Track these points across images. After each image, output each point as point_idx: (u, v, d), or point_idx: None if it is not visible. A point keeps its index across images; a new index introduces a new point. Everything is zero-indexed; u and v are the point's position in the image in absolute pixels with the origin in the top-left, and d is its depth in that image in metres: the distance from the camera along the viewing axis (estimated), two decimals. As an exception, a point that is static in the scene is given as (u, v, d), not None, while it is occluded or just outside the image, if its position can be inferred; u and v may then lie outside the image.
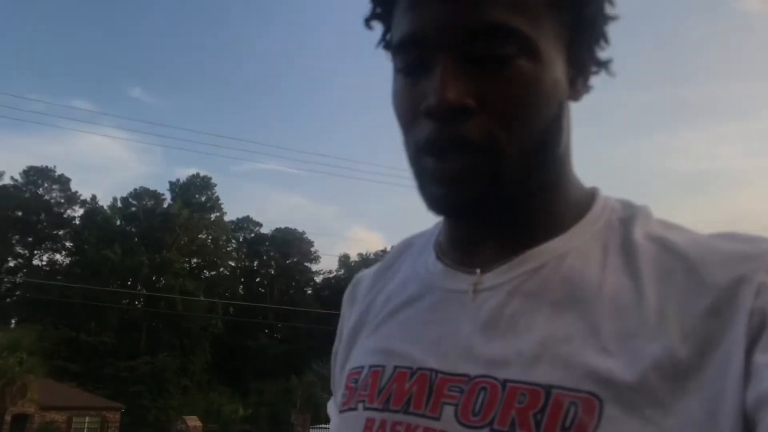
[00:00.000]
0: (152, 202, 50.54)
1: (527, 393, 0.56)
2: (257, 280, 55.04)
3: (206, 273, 51.69)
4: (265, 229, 54.96)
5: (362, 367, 0.70)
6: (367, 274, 0.82)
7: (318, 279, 55.52)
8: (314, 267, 55.46)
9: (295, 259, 54.11)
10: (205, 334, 44.52)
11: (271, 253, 53.87)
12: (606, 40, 0.65)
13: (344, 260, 54.55)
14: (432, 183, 0.61)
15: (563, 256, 0.62)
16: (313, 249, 54.98)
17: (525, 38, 0.58)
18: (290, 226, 56.08)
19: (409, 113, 0.62)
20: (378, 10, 0.67)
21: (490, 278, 0.64)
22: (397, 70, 0.64)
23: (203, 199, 50.84)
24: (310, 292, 54.44)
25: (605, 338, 0.56)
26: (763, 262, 0.55)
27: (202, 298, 43.68)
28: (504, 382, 0.58)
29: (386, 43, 0.68)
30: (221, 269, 53.40)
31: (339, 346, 0.80)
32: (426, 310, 0.68)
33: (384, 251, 52.78)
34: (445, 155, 0.59)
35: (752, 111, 73.71)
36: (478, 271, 0.65)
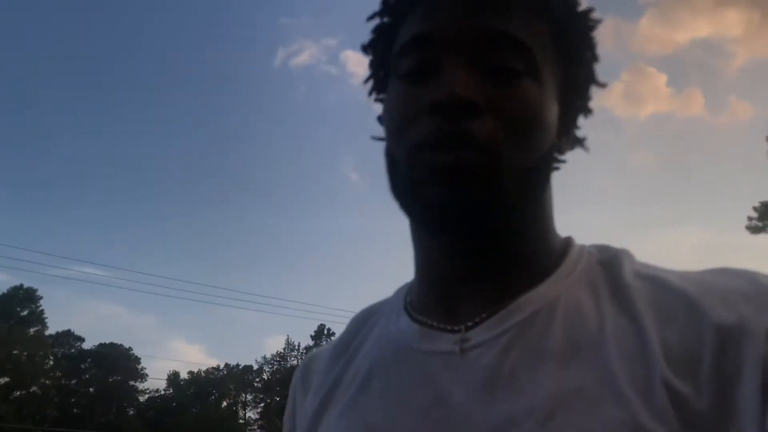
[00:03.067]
0: (-40, 314, 46.51)
1: None
2: (73, 400, 51.41)
3: (17, 393, 47.66)
4: (89, 344, 52.25)
5: None
6: (321, 351, 0.74)
7: (143, 398, 53.08)
8: (141, 385, 53.10)
9: (118, 377, 51.55)
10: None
11: (93, 371, 51.00)
12: (588, 112, 0.67)
13: (173, 378, 52.88)
14: (427, 183, 0.56)
15: (554, 303, 0.58)
16: (139, 366, 52.89)
17: (534, 60, 0.58)
18: (115, 341, 53.70)
19: (407, 115, 0.59)
20: (385, 19, 0.65)
21: (479, 334, 0.58)
22: (399, 76, 0.61)
23: (25, 312, 47.80)
24: (133, 412, 51.74)
25: (621, 385, 0.51)
26: (765, 301, 0.53)
27: (11, 425, 40.18)
28: None
29: (375, 73, 0.68)
30: (33, 389, 49.42)
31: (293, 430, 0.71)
32: (407, 376, 0.60)
33: (217, 368, 52.33)
34: (448, 149, 0.55)
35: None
36: (462, 327, 0.59)
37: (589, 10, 0.64)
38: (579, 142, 0.68)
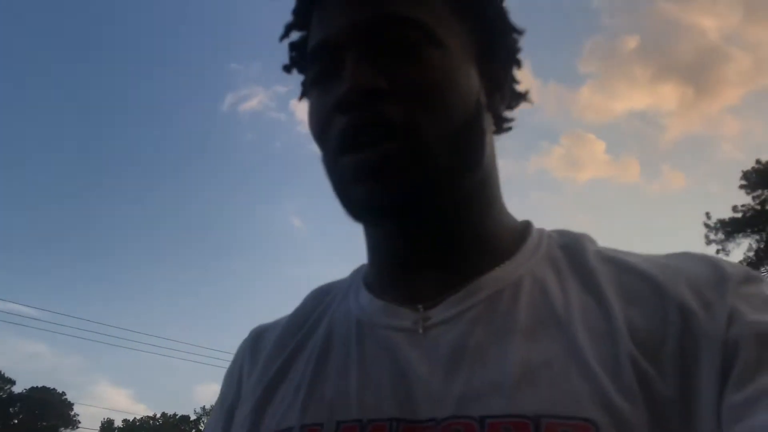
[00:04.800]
0: None
1: (512, 427, 0.48)
2: (-1, 446, 49.33)
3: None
4: (19, 387, 50.64)
5: (290, 429, 0.56)
6: (273, 324, 0.70)
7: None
8: (70, 433, 51.51)
9: (49, 423, 50.02)
10: None
11: (22, 416, 49.37)
12: (518, 64, 0.66)
13: (107, 426, 51.71)
14: (352, 183, 0.56)
15: (518, 282, 0.57)
16: (72, 412, 51.53)
17: (428, 29, 0.57)
18: (44, 383, 52.28)
19: (322, 120, 0.59)
20: (294, 35, 0.66)
21: (440, 312, 0.57)
22: (311, 84, 0.61)
23: None
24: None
25: (588, 361, 0.50)
26: (731, 287, 0.52)
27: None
28: (482, 420, 0.49)
29: (305, 92, 0.67)
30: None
31: (236, 405, 0.65)
32: (369, 351, 0.58)
33: (154, 417, 51.48)
34: (362, 146, 0.55)
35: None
36: (420, 307, 0.58)
37: None
38: (521, 97, 0.68)
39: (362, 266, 0.69)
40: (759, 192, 24.05)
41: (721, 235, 23.62)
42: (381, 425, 0.53)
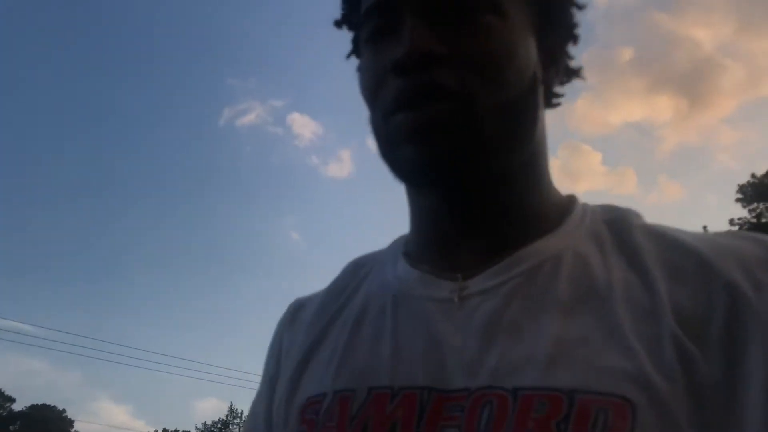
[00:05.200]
0: None
1: (545, 400, 0.47)
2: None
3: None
4: (20, 404, 50.54)
5: (324, 395, 0.57)
6: (312, 297, 0.70)
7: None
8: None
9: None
10: None
11: (22, 434, 49.20)
12: (575, 39, 0.65)
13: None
14: (403, 142, 0.55)
15: (559, 256, 0.56)
16: (72, 430, 51.41)
17: None
18: (44, 400, 52.16)
19: (375, 80, 0.58)
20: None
21: (478, 282, 0.56)
22: (364, 43, 0.60)
23: None
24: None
25: (628, 338, 0.49)
26: None
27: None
28: (515, 391, 0.48)
29: (356, 48, 0.67)
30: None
31: (277, 375, 0.66)
32: (403, 321, 0.58)
33: (154, 434, 51.21)
34: (417, 106, 0.54)
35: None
36: (459, 276, 0.57)
37: None
38: (574, 73, 0.67)
39: (401, 237, 0.68)
40: (755, 205, 24.29)
41: (718, 249, 23.74)
42: (412, 393, 0.52)
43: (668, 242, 0.55)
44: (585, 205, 0.62)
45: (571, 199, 0.63)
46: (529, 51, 0.59)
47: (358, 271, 0.68)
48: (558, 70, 0.64)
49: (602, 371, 0.47)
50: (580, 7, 0.65)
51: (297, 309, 0.71)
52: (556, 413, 0.46)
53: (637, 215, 0.60)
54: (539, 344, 0.50)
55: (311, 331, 0.64)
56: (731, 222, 23.99)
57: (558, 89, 0.65)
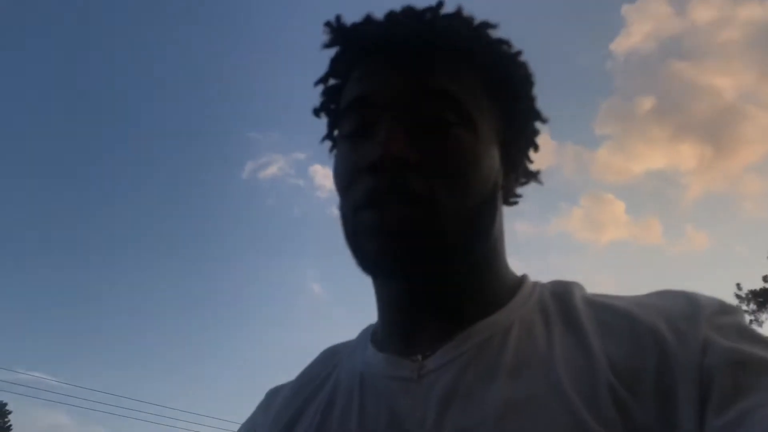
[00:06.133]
0: None
1: None
2: None
3: None
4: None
5: None
6: (284, 385, 0.75)
7: None
8: None
9: None
10: None
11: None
12: (536, 147, 0.71)
13: None
14: (369, 238, 0.59)
15: (508, 328, 0.61)
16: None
17: (466, 111, 0.62)
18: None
19: (348, 174, 0.63)
20: (331, 82, 0.70)
21: (436, 360, 0.61)
22: (342, 138, 0.65)
23: None
24: None
25: (568, 393, 0.53)
26: (704, 318, 0.55)
27: None
28: None
29: (330, 134, 0.72)
30: None
31: None
32: (369, 399, 0.63)
33: None
34: (385, 206, 0.59)
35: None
36: (419, 357, 0.62)
37: (517, 53, 0.68)
38: (532, 176, 0.72)
39: (369, 326, 0.72)
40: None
41: (753, 306, 22.39)
42: None
43: (602, 306, 0.61)
44: (535, 283, 0.68)
45: (523, 278, 0.69)
46: (493, 161, 0.65)
47: (330, 357, 0.73)
48: (518, 175, 0.71)
49: (546, 427, 0.52)
50: (544, 121, 0.71)
51: (272, 395, 0.76)
52: None
53: (580, 287, 0.66)
54: (489, 407, 0.55)
55: (284, 414, 0.69)
56: (765, 279, 22.54)
57: (516, 191, 0.71)
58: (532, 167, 0.72)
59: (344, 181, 0.64)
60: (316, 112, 0.72)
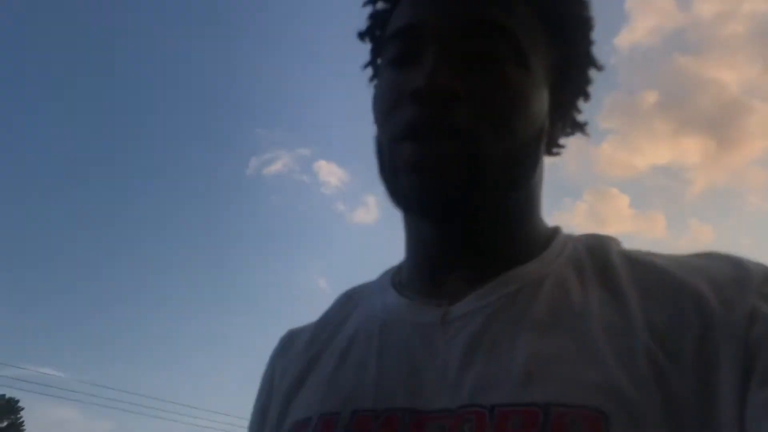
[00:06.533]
0: None
1: (522, 415, 0.49)
2: None
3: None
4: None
5: (309, 419, 0.58)
6: (302, 328, 0.72)
7: None
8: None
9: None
10: None
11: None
12: (587, 96, 0.67)
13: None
14: (407, 171, 0.56)
15: (540, 280, 0.58)
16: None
17: (518, 45, 0.58)
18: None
19: (390, 100, 0.59)
20: (379, 6, 0.67)
21: (461, 307, 0.58)
22: (387, 63, 0.62)
23: (5, 424, 45.98)
24: None
25: (601, 353, 0.51)
26: (753, 286, 0.52)
27: None
28: (492, 408, 0.50)
29: (373, 60, 0.69)
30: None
31: (269, 403, 0.67)
32: (388, 346, 0.59)
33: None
34: (426, 139, 0.55)
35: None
36: (444, 302, 0.59)
37: None
38: (579, 127, 0.69)
39: (390, 268, 0.70)
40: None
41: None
42: (393, 416, 0.54)
43: (641, 265, 0.57)
44: (568, 236, 0.65)
45: (556, 230, 0.65)
46: (542, 104, 0.61)
47: (347, 302, 0.70)
48: (565, 123, 0.67)
49: (576, 385, 0.49)
50: (599, 69, 0.67)
51: (288, 340, 0.72)
52: (532, 427, 0.48)
53: (617, 242, 0.62)
54: (516, 362, 0.52)
55: (301, 360, 0.65)
56: None
57: (561, 140, 0.68)
58: (580, 118, 0.69)
59: (384, 108, 0.60)
60: (361, 35, 0.69)
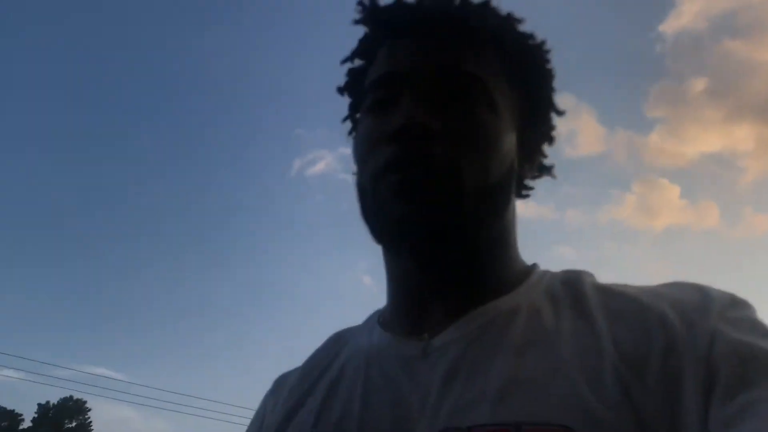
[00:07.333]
0: (5, 424, 47.28)
1: None
2: None
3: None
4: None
5: None
6: (292, 371, 0.76)
7: None
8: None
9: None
10: None
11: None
12: (550, 141, 0.72)
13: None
14: (394, 200, 0.60)
15: (515, 309, 0.61)
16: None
17: (489, 92, 0.63)
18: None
19: (370, 143, 0.63)
20: (357, 62, 0.72)
21: (442, 338, 0.61)
22: (365, 112, 0.67)
23: (74, 424, 48.00)
24: None
25: (570, 375, 0.53)
26: (715, 310, 0.55)
27: None
28: (469, 429, 0.53)
29: (352, 114, 0.74)
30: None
31: None
32: (374, 378, 0.63)
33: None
34: (409, 170, 0.59)
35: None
36: (426, 335, 0.62)
37: (542, 43, 0.70)
38: (546, 170, 0.73)
39: (376, 311, 0.74)
40: None
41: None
42: None
43: (611, 293, 0.61)
44: (545, 271, 0.68)
45: (533, 267, 0.69)
46: (511, 145, 0.66)
47: (337, 342, 0.74)
48: (532, 165, 0.72)
49: (546, 404, 0.52)
50: (560, 114, 0.73)
51: (280, 380, 0.77)
52: None
53: (590, 275, 0.66)
54: (490, 384, 0.55)
55: (292, 396, 0.69)
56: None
57: (529, 183, 0.73)
58: (547, 162, 0.73)
59: (364, 150, 0.64)
60: (341, 90, 0.74)
